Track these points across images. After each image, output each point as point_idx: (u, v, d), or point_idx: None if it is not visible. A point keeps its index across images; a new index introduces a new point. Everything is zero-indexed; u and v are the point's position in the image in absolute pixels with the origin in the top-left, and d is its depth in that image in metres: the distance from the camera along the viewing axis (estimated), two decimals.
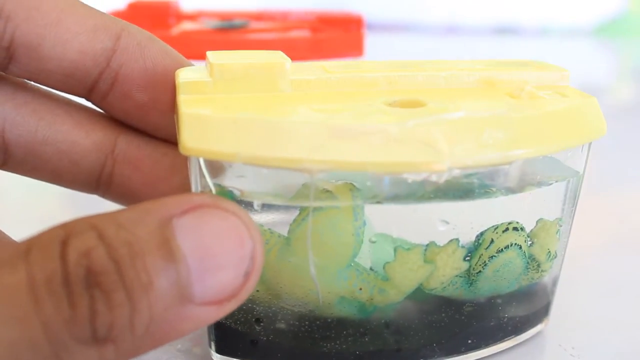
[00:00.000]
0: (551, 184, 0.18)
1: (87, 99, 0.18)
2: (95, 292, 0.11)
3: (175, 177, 0.19)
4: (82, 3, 0.17)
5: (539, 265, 0.19)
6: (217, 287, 0.12)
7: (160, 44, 0.18)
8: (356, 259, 0.17)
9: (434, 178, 0.15)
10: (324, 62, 0.18)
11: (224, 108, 0.15)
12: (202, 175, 0.15)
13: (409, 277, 0.17)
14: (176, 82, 0.16)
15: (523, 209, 0.18)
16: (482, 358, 0.19)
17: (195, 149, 0.14)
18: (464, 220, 0.17)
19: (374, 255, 0.17)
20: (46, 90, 0.18)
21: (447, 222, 0.17)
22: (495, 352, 0.19)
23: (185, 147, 0.14)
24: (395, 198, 0.15)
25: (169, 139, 0.19)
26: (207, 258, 0.12)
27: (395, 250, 0.16)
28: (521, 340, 0.20)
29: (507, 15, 0.86)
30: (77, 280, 0.11)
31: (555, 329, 0.21)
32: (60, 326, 0.11)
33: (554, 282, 0.20)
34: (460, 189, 0.16)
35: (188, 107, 0.15)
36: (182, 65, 0.18)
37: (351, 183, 0.16)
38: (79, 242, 0.12)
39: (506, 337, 0.19)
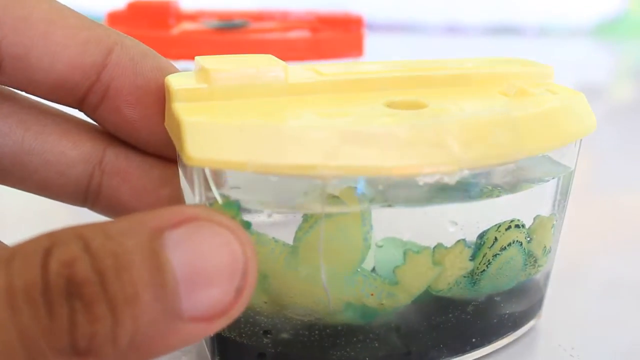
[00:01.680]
0: (547, 180, 0.18)
1: (80, 110, 0.18)
2: (75, 303, 0.11)
3: (164, 189, 0.18)
4: (76, 14, 0.17)
5: (535, 261, 0.19)
6: (207, 303, 0.12)
7: (155, 60, 0.17)
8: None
9: (445, 179, 0.15)
10: (316, 65, 0.18)
11: (227, 115, 0.15)
12: (206, 186, 0.15)
13: (418, 279, 0.17)
14: (168, 89, 0.16)
15: (520, 206, 0.18)
16: (483, 356, 0.19)
17: (202, 159, 0.14)
18: (470, 220, 0.17)
19: (381, 259, 0.17)
20: (35, 100, 0.18)
21: (456, 223, 0.17)
22: (497, 348, 0.19)
23: (191, 157, 0.14)
24: (407, 201, 0.15)
25: (159, 154, 0.18)
26: (197, 273, 0.12)
27: (405, 253, 0.16)
28: (518, 335, 0.20)
29: (506, 15, 0.86)
30: (57, 290, 0.11)
31: (555, 329, 0.21)
32: (38, 335, 0.11)
33: (547, 277, 0.20)
34: (467, 190, 0.16)
35: (189, 115, 0.14)
36: None
37: (355, 187, 0.15)
38: (63, 251, 0.11)
39: (507, 333, 0.19)
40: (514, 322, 0.19)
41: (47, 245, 0.12)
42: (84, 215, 0.20)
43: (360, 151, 0.14)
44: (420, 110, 0.16)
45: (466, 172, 0.15)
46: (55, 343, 0.11)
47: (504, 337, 0.19)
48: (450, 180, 0.15)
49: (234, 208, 0.15)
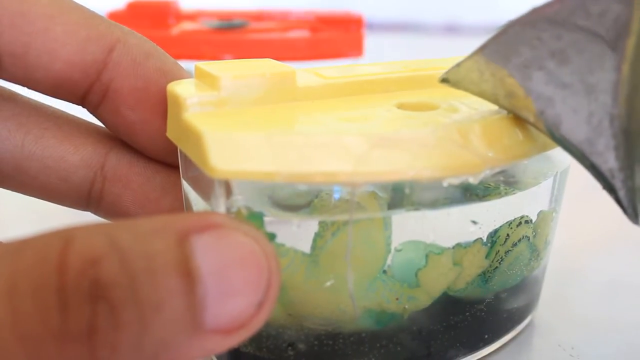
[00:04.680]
0: (551, 176, 0.19)
1: (83, 107, 0.18)
2: (99, 307, 0.10)
3: (165, 198, 0.18)
4: (79, 8, 0.16)
5: (538, 254, 0.19)
6: (230, 314, 0.11)
7: (159, 61, 0.17)
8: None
9: (470, 180, 0.15)
10: (316, 68, 0.18)
11: (247, 125, 0.14)
12: (229, 198, 0.14)
13: (439, 281, 0.17)
14: (174, 98, 0.15)
15: (526, 202, 0.18)
16: (490, 353, 0.19)
17: (227, 170, 0.13)
18: (488, 219, 0.17)
19: (400, 263, 0.17)
20: (36, 101, 0.18)
21: (476, 222, 0.17)
22: (504, 342, 0.19)
23: (216, 169, 0.13)
24: (431, 203, 0.16)
25: (159, 159, 0.18)
26: (223, 282, 0.11)
27: (427, 256, 0.16)
28: (521, 329, 0.20)
29: (506, 15, 0.86)
30: (77, 290, 0.10)
31: (555, 329, 0.21)
32: (46, 341, 0.10)
33: (544, 270, 0.21)
34: (484, 189, 0.16)
35: (206, 126, 0.14)
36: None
37: (374, 192, 0.15)
38: (85, 246, 0.10)
39: (512, 328, 0.20)
40: (519, 316, 0.20)
41: (65, 238, 0.11)
42: (88, 220, 0.20)
43: (390, 156, 0.14)
44: (436, 111, 0.16)
45: (488, 172, 0.15)
46: (70, 350, 0.10)
47: (510, 332, 0.20)
48: (475, 180, 0.15)
49: (257, 219, 0.14)
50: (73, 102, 0.17)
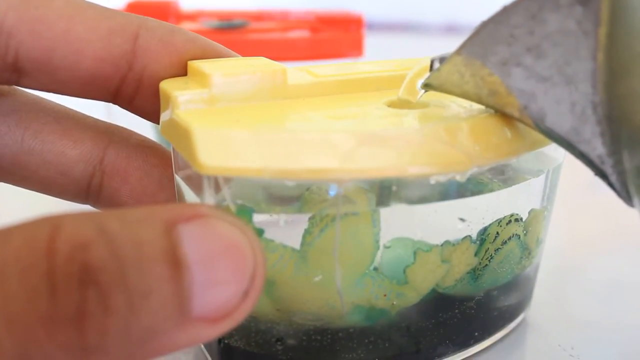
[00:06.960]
0: (542, 173, 0.19)
1: (113, 103, 0.18)
2: (88, 291, 0.10)
3: (162, 193, 0.18)
4: (93, 5, 0.16)
5: (529, 253, 0.19)
6: (216, 303, 0.11)
7: (184, 34, 0.17)
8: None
9: (457, 177, 0.15)
10: (309, 66, 0.18)
11: (236, 122, 0.15)
12: (217, 194, 0.14)
13: (427, 278, 0.17)
14: (167, 96, 0.16)
15: (516, 200, 0.18)
16: (483, 349, 0.19)
17: (215, 167, 0.13)
18: (476, 217, 0.18)
19: (389, 260, 0.17)
20: (35, 96, 0.18)
21: (464, 220, 0.17)
22: (496, 340, 0.19)
23: (204, 165, 0.13)
24: (419, 199, 0.16)
25: None
26: (209, 271, 0.11)
27: (415, 253, 0.16)
28: (512, 327, 0.20)
29: None
30: (66, 275, 0.10)
31: (554, 329, 0.21)
32: (35, 324, 0.10)
33: (537, 268, 0.21)
34: (474, 186, 0.16)
35: (196, 123, 0.14)
36: (213, 51, 0.17)
37: (363, 188, 0.16)
38: (73, 233, 0.10)
39: (504, 325, 0.20)
40: (511, 314, 0.20)
41: (54, 224, 0.11)
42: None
43: (376, 153, 0.14)
44: (425, 109, 0.16)
45: (475, 169, 0.15)
46: (58, 334, 0.10)
47: (501, 330, 0.20)
48: (462, 178, 0.15)
49: (247, 214, 0.14)
50: (104, 100, 0.17)
